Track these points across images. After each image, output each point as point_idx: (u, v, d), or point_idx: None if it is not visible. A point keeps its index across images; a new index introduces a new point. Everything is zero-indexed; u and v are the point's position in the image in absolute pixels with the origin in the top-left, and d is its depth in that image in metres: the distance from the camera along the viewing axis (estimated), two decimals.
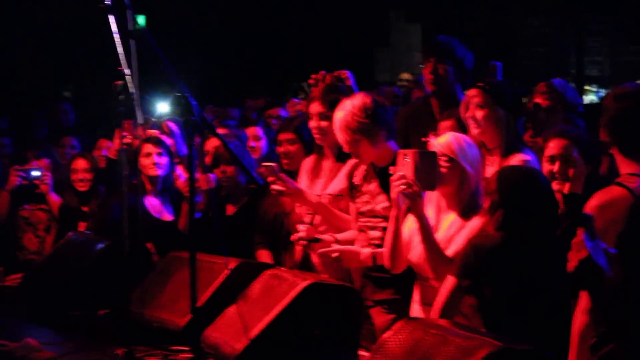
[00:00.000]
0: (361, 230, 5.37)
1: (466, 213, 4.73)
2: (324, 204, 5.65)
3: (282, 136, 6.23)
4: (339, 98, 5.67)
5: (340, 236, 5.41)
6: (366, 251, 5.18)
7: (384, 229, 5.09)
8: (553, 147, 4.72)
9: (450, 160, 4.70)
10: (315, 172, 5.89)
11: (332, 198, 5.69)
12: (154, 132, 7.71)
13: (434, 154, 4.68)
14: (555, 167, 4.67)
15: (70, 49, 13.39)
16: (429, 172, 4.58)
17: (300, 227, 5.49)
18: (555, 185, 4.63)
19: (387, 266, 4.93)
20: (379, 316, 5.24)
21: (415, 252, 4.77)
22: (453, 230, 4.74)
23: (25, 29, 13.82)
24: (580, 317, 3.75)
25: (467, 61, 6.04)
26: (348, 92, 5.88)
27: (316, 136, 5.81)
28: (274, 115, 8.49)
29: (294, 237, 5.52)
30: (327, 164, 5.85)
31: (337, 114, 5.28)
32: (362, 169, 5.41)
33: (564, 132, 4.79)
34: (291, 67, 13.59)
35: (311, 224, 5.69)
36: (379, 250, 5.11)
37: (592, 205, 3.91)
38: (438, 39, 6.23)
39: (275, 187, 5.53)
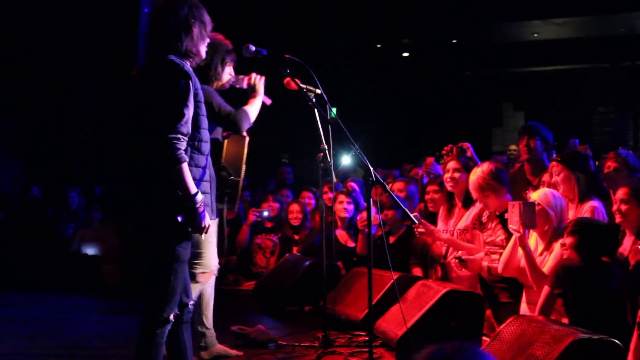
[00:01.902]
0: (486, 254, 5.33)
1: (551, 241, 4.73)
2: (452, 238, 5.64)
3: (430, 188, 6.22)
4: (468, 160, 5.71)
5: (476, 256, 5.40)
6: (485, 264, 5.19)
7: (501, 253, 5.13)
8: (619, 193, 4.66)
9: (539, 204, 4.72)
10: (448, 216, 5.88)
11: (460, 232, 5.67)
12: (347, 186, 7.79)
13: (532, 204, 4.67)
14: (616, 206, 4.60)
15: (288, 130, 13.59)
16: (529, 216, 4.57)
17: (455, 253, 5.44)
18: (617, 219, 4.57)
19: (500, 271, 4.92)
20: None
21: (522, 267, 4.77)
22: (544, 254, 4.74)
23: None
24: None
25: (549, 137, 5.97)
26: (472, 159, 5.91)
27: (449, 184, 5.79)
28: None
29: (450, 258, 5.48)
30: (456, 209, 5.83)
31: (471, 177, 5.29)
32: (487, 212, 5.41)
33: (627, 184, 4.71)
34: (433, 140, 13.55)
35: (445, 253, 5.72)
36: (493, 265, 5.11)
37: None
38: (529, 123, 6.20)
39: (418, 230, 5.58)
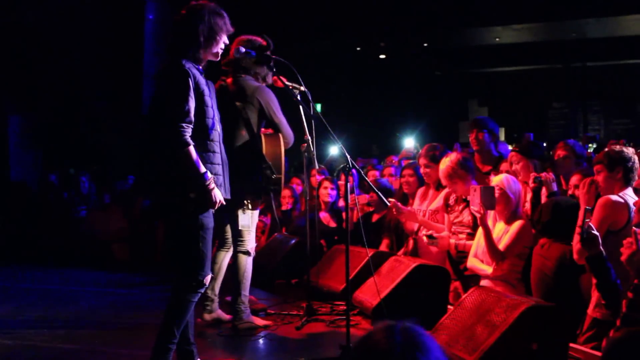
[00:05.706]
0: (454, 233, 5.32)
1: (508, 221, 4.73)
2: (425, 220, 5.59)
3: (405, 172, 6.12)
4: (436, 154, 5.67)
5: (441, 234, 5.38)
6: (452, 242, 5.18)
7: (469, 233, 5.13)
8: (573, 179, 4.70)
9: (501, 189, 4.72)
10: (424, 196, 5.81)
11: (432, 212, 5.63)
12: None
13: (492, 187, 4.67)
14: (570, 191, 4.64)
15: None
16: (489, 199, 4.58)
17: (424, 231, 5.38)
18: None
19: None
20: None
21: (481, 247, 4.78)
22: (502, 233, 4.74)
23: None
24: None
25: (496, 130, 5.91)
26: (440, 149, 5.87)
27: (424, 176, 5.79)
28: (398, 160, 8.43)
29: (421, 234, 5.42)
30: (431, 191, 5.79)
31: (441, 166, 5.25)
32: (454, 195, 5.39)
33: (580, 171, 4.74)
34: (407, 133, 13.57)
35: (417, 229, 5.72)
36: (460, 242, 5.12)
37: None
38: (478, 117, 6.14)
39: (394, 212, 5.54)
